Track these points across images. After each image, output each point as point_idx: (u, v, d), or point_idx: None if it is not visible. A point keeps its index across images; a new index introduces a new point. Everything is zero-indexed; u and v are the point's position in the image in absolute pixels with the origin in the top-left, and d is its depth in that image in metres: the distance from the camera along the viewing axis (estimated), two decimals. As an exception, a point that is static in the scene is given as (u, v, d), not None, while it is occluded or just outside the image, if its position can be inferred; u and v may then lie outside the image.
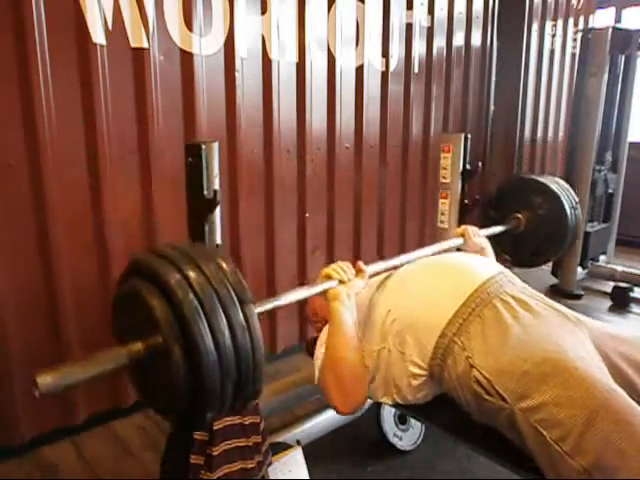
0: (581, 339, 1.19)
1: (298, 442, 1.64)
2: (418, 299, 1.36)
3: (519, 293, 1.31)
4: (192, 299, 0.85)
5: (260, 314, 0.99)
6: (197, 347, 0.84)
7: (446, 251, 1.73)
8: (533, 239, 2.28)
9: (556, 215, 2.21)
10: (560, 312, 1.28)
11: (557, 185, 2.26)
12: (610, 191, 3.56)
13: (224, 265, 0.93)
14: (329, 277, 1.37)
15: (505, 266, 1.50)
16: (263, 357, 0.93)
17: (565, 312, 1.28)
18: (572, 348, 1.13)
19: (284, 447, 1.58)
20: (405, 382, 1.31)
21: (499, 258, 1.94)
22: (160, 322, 0.86)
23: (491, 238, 1.94)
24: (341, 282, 1.35)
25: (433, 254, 1.66)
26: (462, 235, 1.82)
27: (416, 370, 1.29)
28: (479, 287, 1.30)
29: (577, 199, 2.26)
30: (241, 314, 0.89)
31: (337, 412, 1.33)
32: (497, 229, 2.15)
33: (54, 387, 0.81)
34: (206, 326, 0.84)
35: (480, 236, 1.85)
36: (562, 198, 2.20)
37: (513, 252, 2.36)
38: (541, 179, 2.33)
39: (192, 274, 0.88)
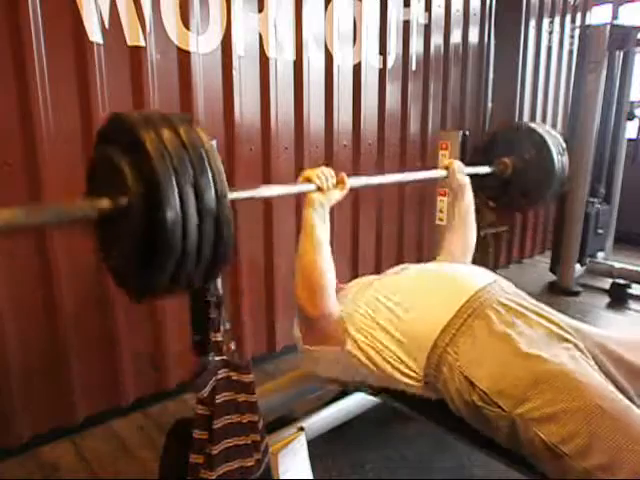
0: (570, 348, 1.18)
1: (301, 428, 1.65)
2: (412, 307, 1.35)
3: (510, 302, 1.30)
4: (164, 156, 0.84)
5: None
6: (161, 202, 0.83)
7: (428, 180, 1.77)
8: (520, 184, 2.25)
9: (543, 161, 2.17)
10: (553, 321, 1.26)
11: (544, 130, 2.24)
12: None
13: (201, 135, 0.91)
14: (309, 180, 1.31)
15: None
16: (231, 231, 0.92)
17: (558, 321, 1.27)
18: (564, 355, 1.14)
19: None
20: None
21: (480, 201, 1.98)
22: (127, 179, 0.85)
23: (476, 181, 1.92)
24: (319, 189, 1.30)
25: (415, 181, 1.63)
26: (447, 168, 1.81)
27: (409, 380, 1.30)
28: (471, 297, 1.30)
29: (564, 145, 2.23)
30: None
31: (307, 315, 1.33)
32: (484, 169, 2.12)
33: (16, 223, 0.82)
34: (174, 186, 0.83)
35: (464, 173, 1.82)
36: (549, 143, 2.16)
37: (499, 195, 2.34)
38: (531, 125, 2.29)
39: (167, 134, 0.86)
